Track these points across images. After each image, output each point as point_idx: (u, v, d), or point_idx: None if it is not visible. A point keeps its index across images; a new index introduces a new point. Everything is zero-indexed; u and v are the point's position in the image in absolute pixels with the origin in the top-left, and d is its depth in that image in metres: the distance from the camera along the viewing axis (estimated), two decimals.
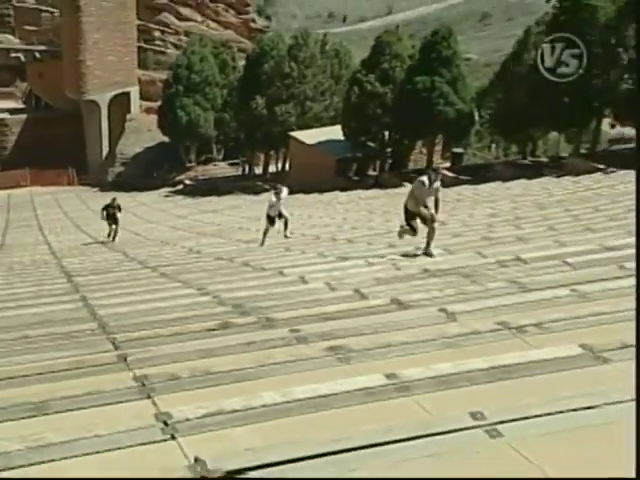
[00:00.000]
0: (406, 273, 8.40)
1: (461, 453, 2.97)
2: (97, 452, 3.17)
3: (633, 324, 4.67)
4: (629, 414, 3.19)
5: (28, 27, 58.83)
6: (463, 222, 15.58)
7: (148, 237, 22.37)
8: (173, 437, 3.29)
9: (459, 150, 38.65)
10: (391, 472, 2.86)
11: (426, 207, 10.48)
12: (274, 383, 3.99)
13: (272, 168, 46.15)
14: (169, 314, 6.65)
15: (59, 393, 3.98)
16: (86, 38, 49.69)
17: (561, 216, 14.67)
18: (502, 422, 3.15)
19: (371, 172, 38.88)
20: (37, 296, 9.68)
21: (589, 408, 3.24)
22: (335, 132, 38.11)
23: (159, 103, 48.40)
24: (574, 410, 3.23)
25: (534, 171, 30.55)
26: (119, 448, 3.20)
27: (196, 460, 2.94)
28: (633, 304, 5.11)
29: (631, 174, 24.44)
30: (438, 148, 40.98)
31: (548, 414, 3.21)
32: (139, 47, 54.96)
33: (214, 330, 5.65)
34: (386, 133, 37.45)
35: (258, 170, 46.38)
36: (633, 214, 13.05)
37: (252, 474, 2.83)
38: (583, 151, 34.48)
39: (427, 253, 10.03)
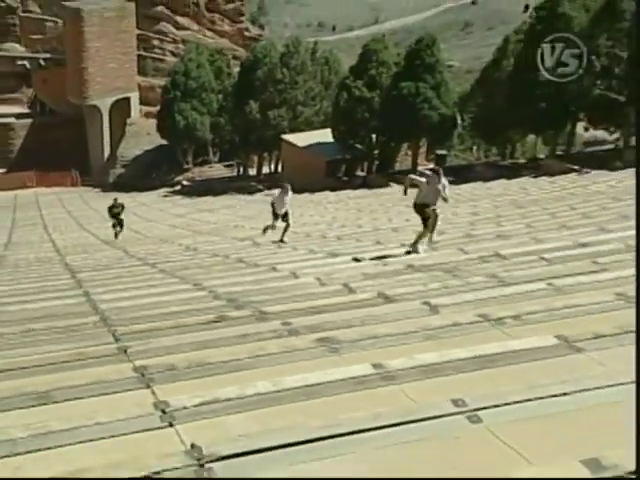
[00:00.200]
0: (392, 269, 8.41)
1: (443, 438, 2.98)
2: (98, 439, 3.17)
3: (605, 316, 4.71)
4: (602, 400, 3.21)
5: (33, 36, 58.40)
6: (447, 220, 15.59)
7: (147, 235, 22.27)
8: (171, 424, 3.29)
9: (443, 152, 38.62)
10: (379, 456, 2.86)
11: (430, 207, 10.24)
12: (267, 373, 3.99)
13: (265, 169, 46.17)
14: (167, 308, 6.63)
15: (62, 383, 3.96)
16: (88, 46, 49.38)
17: (538, 214, 14.73)
18: (482, 408, 3.16)
19: (359, 173, 38.90)
20: (42, 291, 9.60)
21: (564, 395, 3.26)
22: (325, 135, 38.16)
23: (158, 108, 48.16)
24: (550, 397, 3.25)
25: (513, 172, 30.67)
26: (119, 435, 3.20)
27: (192, 446, 2.94)
28: (606, 297, 5.14)
29: (603, 174, 24.63)
30: (423, 150, 41.08)
31: (526, 400, 3.23)
32: (139, 55, 54.70)
33: (212, 323, 5.64)
34: (373, 136, 37.48)
35: (252, 171, 46.38)
36: (605, 212, 13.13)
37: (246, 459, 2.83)
38: (559, 153, 34.63)
39: (414, 250, 9.99)
